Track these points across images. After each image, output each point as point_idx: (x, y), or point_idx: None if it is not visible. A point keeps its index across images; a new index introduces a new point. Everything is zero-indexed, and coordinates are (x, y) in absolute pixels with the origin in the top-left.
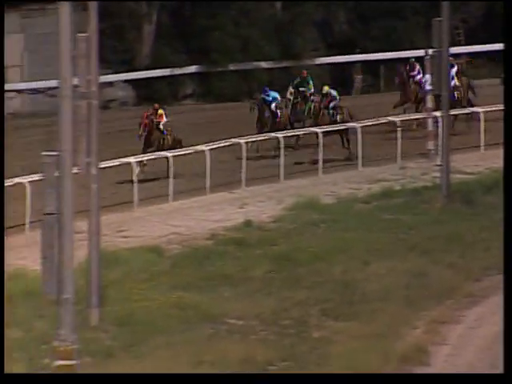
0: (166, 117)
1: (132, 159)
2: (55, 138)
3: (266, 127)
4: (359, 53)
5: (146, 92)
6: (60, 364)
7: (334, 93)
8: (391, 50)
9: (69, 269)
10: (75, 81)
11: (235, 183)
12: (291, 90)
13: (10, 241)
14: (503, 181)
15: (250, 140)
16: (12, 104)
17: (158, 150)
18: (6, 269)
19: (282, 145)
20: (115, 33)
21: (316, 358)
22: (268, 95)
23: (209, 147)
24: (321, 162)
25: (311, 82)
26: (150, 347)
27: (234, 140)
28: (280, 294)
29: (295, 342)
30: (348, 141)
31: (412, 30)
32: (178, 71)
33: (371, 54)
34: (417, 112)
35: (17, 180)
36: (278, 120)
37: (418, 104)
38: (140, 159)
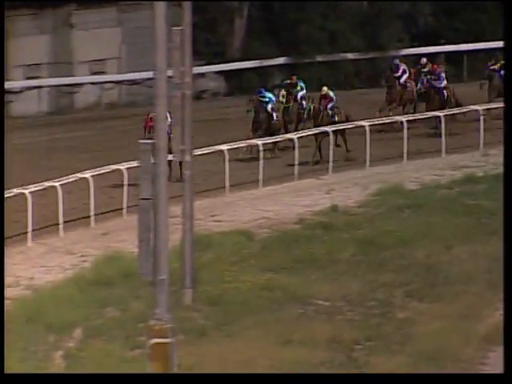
0: (171, 117)
1: (224, 147)
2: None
3: (261, 129)
4: (443, 44)
5: (237, 82)
6: (155, 342)
7: (331, 94)
8: (474, 42)
9: (164, 251)
10: (170, 72)
11: (322, 170)
12: (283, 92)
13: (108, 225)
14: (503, 180)
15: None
16: (110, 94)
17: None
18: (105, 251)
19: (367, 132)
20: (208, 26)
21: (400, 338)
22: (263, 96)
23: (297, 135)
24: (405, 150)
25: (302, 85)
26: (241, 326)
27: (322, 128)
28: (365, 276)
29: (380, 323)
30: (346, 141)
31: (494, 22)
32: (267, 62)
33: (455, 46)
34: (404, 113)
35: (114, 167)
36: (273, 122)
37: (404, 106)
38: (232, 147)
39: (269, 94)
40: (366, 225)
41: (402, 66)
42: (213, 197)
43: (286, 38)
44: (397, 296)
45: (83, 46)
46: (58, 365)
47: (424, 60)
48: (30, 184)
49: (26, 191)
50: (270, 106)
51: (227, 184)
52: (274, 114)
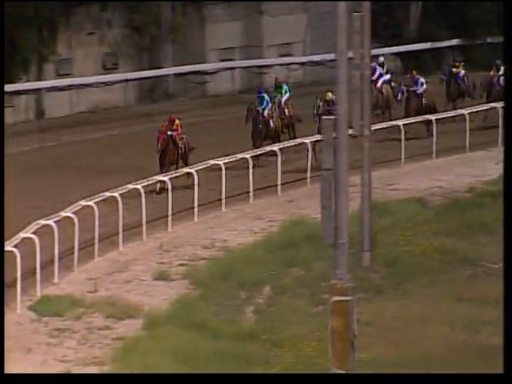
0: (181, 127)
1: (400, 122)
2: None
3: (260, 137)
4: None
5: (412, 62)
6: (336, 299)
7: (335, 99)
8: None
9: (344, 217)
10: (350, 54)
11: (492, 143)
12: (267, 98)
13: (294, 193)
14: (503, 181)
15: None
16: (296, 75)
17: (172, 166)
18: (291, 217)
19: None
20: (386, 11)
21: None
22: (262, 98)
23: (468, 111)
24: None
25: (285, 88)
26: (415, 286)
27: (493, 104)
28: None
29: None
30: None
31: None
32: (440, 44)
33: None
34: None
35: (299, 140)
36: (270, 128)
37: (384, 110)
38: (408, 122)
39: (266, 97)
40: None
41: (379, 70)
42: (390, 168)
43: (459, 21)
44: None
45: (272, 31)
46: (249, 319)
47: (381, 59)
48: (224, 156)
49: (221, 162)
50: (266, 112)
51: (403, 156)
52: (271, 120)
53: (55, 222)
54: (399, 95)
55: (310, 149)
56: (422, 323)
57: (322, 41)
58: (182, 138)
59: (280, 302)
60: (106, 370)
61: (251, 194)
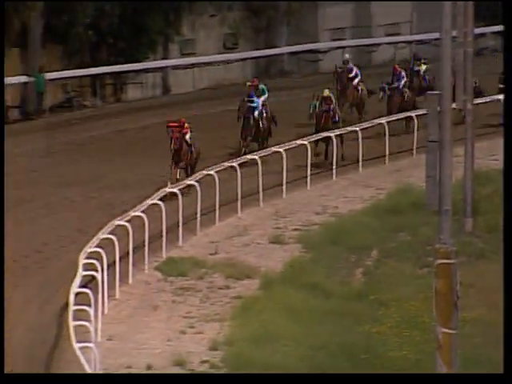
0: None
1: (500, 96)
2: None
3: (250, 136)
4: None
5: None
6: (440, 262)
7: (332, 96)
8: None
9: (448, 185)
10: (454, 33)
11: None
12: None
13: (401, 163)
14: (503, 180)
15: None
16: (402, 53)
17: (186, 165)
18: (398, 185)
19: None
20: None
21: None
22: (253, 101)
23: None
24: None
25: (264, 88)
26: None
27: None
28: None
29: None
30: (342, 143)
31: None
32: None
33: None
34: (360, 116)
35: (407, 113)
36: (261, 127)
37: (358, 108)
38: None
39: (257, 99)
40: None
41: (355, 69)
42: (490, 139)
43: None
44: None
45: (380, 12)
46: (358, 280)
47: (347, 56)
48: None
49: (332, 135)
50: (257, 112)
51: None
52: (261, 122)
53: (180, 189)
54: (381, 93)
55: (415, 121)
56: None
57: (428, 21)
58: (192, 144)
59: (387, 265)
60: (226, 325)
61: (360, 163)
